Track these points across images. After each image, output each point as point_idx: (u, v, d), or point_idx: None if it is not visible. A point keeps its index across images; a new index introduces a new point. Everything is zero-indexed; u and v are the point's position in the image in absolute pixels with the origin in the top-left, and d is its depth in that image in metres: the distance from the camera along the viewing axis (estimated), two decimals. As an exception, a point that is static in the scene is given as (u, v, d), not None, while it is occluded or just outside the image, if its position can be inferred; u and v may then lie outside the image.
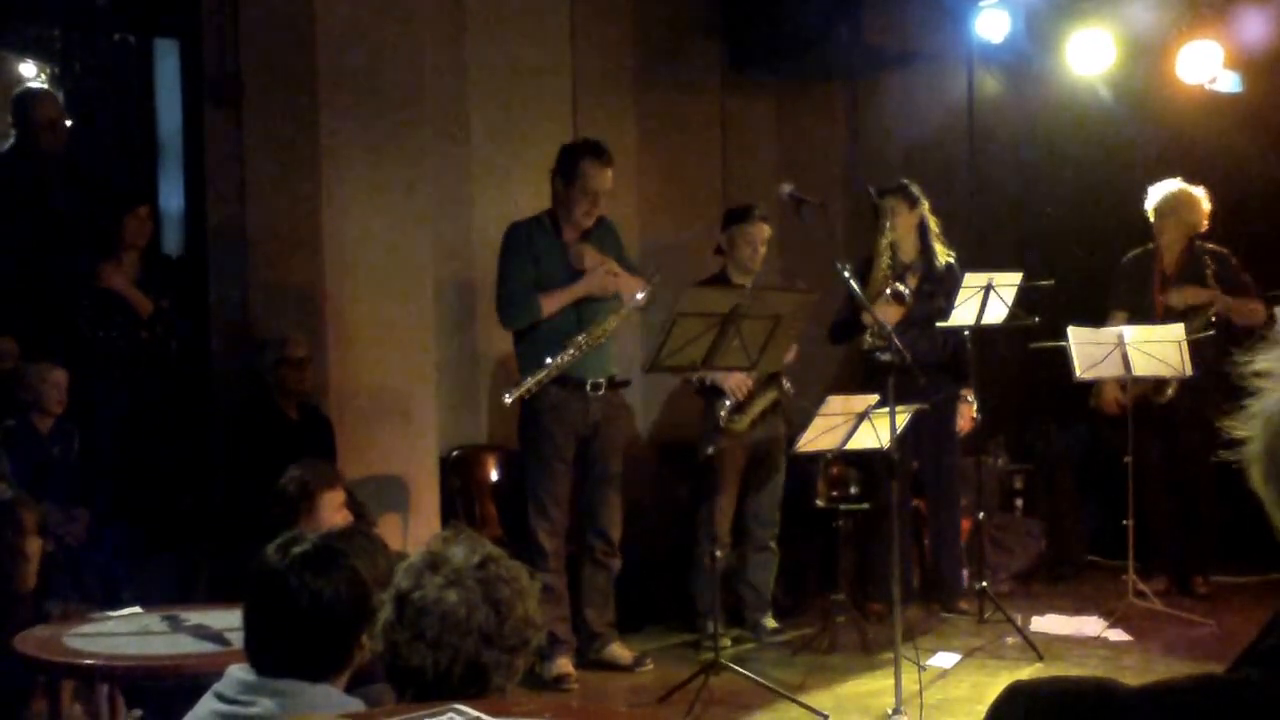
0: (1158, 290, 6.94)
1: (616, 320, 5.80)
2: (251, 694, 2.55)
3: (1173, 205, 6.85)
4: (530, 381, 5.66)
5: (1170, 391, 6.64)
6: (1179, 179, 6.88)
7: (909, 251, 6.65)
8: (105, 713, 4.05)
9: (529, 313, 5.81)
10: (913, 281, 6.56)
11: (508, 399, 5.70)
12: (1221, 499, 6.74)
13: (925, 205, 6.66)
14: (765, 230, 6.38)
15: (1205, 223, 6.86)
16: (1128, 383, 6.55)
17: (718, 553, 5.81)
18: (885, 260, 6.53)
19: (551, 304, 5.79)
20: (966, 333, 6.48)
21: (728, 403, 6.21)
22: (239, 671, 2.62)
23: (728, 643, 6.15)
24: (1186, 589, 6.97)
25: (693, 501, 6.55)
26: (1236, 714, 1.07)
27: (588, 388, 5.83)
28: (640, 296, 5.76)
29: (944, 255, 6.67)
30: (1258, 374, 1.20)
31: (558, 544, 5.87)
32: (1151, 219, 6.90)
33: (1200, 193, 6.83)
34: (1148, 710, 1.09)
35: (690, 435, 6.62)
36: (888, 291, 6.40)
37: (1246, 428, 1.21)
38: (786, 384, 6.41)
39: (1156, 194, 6.88)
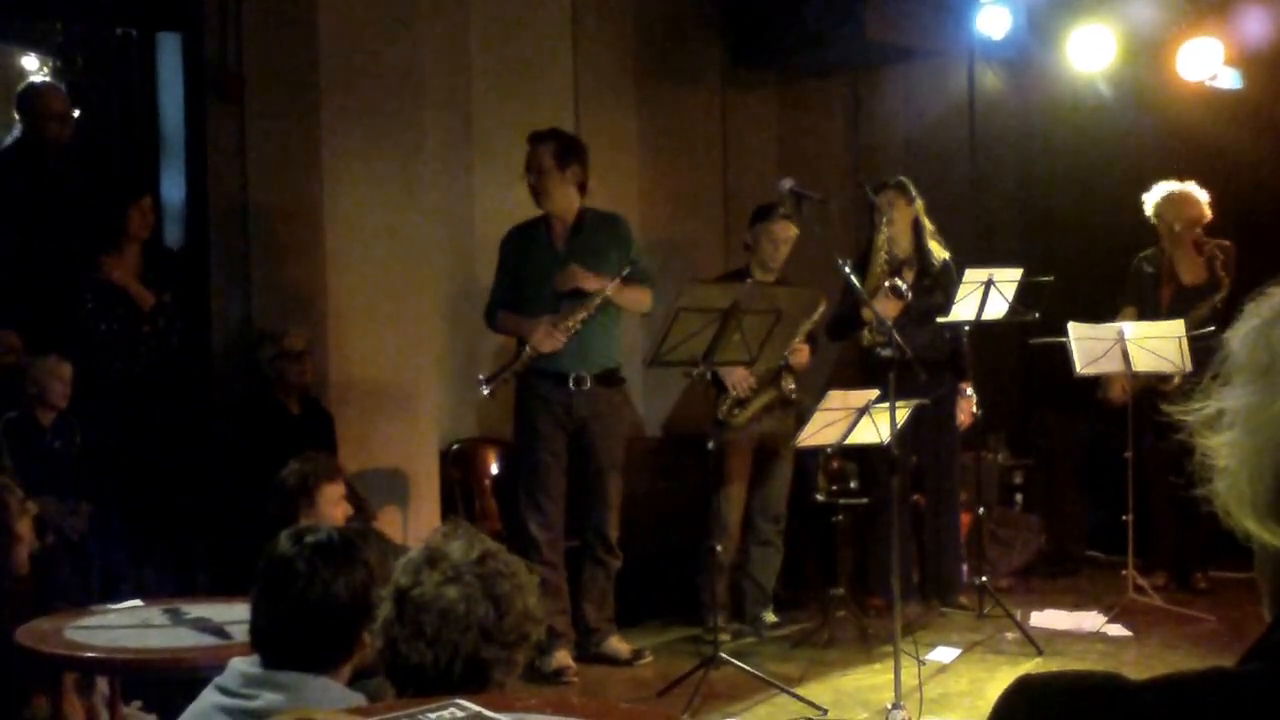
0: (1165, 286, 6.95)
1: (585, 312, 5.76)
2: (253, 687, 2.56)
3: (1170, 205, 6.86)
4: (503, 372, 5.76)
5: (1176, 381, 6.63)
6: (1173, 180, 6.89)
7: (904, 247, 6.64)
8: (105, 706, 4.06)
9: (494, 327, 6.15)
10: (909, 276, 6.56)
11: (485, 389, 5.74)
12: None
13: (920, 203, 6.65)
14: (788, 229, 6.37)
15: (1208, 213, 6.86)
16: (1130, 377, 6.56)
17: (724, 545, 5.80)
18: (883, 256, 6.53)
19: (504, 327, 6.06)
20: (966, 328, 6.49)
21: (728, 397, 6.26)
22: (241, 664, 2.62)
23: (726, 637, 6.16)
24: (1186, 584, 6.98)
25: (703, 494, 6.56)
26: (1243, 708, 1.07)
27: (569, 382, 5.83)
28: (609, 290, 5.77)
29: (939, 252, 6.68)
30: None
31: (551, 536, 5.87)
32: (1154, 222, 6.92)
33: (1193, 187, 6.85)
34: (1156, 704, 1.09)
35: (701, 429, 6.64)
36: (886, 286, 6.40)
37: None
38: (790, 384, 6.41)
39: (1153, 198, 6.90)
